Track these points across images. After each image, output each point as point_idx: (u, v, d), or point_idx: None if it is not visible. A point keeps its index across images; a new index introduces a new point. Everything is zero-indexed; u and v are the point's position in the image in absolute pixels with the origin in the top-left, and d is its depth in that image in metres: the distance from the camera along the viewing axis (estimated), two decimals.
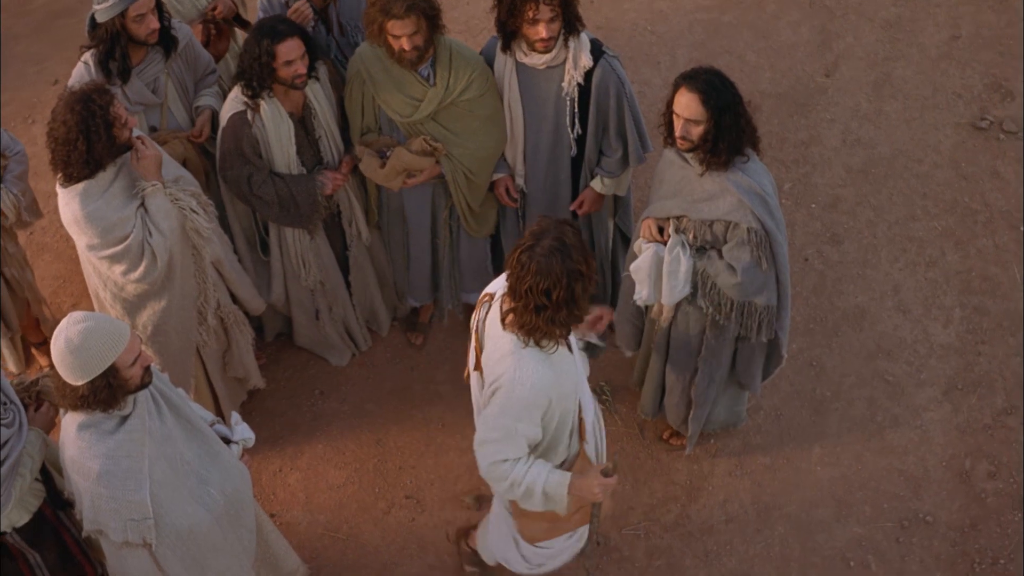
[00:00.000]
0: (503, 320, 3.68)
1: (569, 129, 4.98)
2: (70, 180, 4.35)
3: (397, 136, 5.05)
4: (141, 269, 4.52)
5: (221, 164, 4.97)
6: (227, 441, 4.16)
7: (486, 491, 5.42)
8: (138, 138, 4.42)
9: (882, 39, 7.33)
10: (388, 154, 5.00)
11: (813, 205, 6.48)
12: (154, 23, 4.84)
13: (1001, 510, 5.30)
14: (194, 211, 4.57)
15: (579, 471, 3.95)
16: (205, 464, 3.91)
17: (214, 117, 5.18)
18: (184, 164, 4.96)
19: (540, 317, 3.54)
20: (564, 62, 4.81)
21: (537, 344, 3.63)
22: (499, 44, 4.86)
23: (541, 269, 3.48)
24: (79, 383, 3.54)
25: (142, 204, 4.48)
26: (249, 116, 4.85)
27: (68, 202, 4.39)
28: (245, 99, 4.84)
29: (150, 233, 4.48)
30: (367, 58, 4.90)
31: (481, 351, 3.88)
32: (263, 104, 4.84)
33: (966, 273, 6.16)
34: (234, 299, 5.11)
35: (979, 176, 6.59)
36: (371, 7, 4.66)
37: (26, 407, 4.03)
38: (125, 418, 3.68)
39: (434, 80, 4.88)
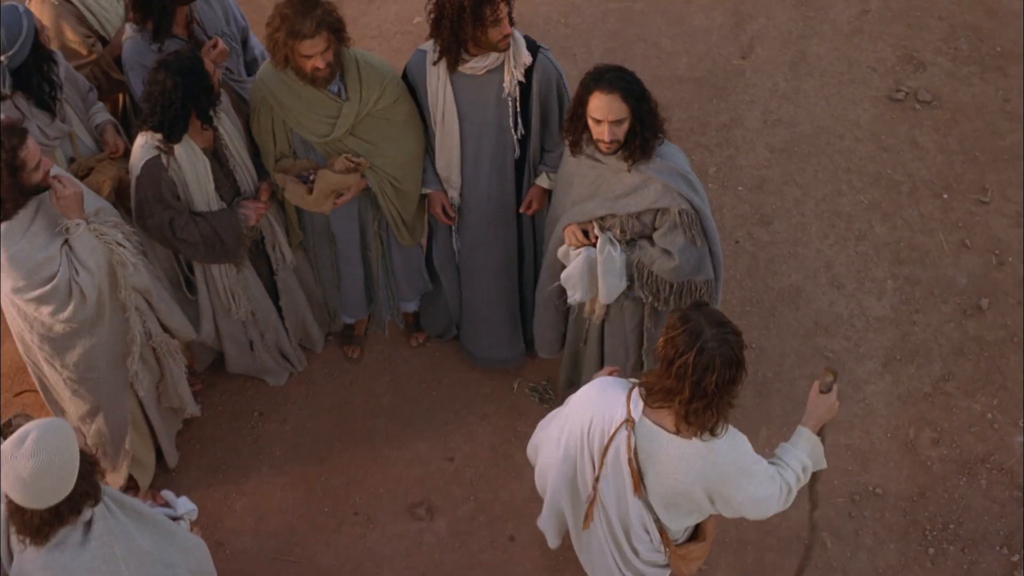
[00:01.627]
0: (679, 433, 3.68)
1: (513, 130, 4.91)
2: None
3: (314, 157, 4.95)
4: (70, 309, 4.39)
5: (139, 213, 4.79)
6: (172, 519, 4.04)
7: (436, 501, 5.36)
8: (55, 178, 4.26)
9: (794, 18, 7.38)
10: (311, 177, 4.89)
11: (740, 187, 6.51)
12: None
13: (947, 476, 5.37)
14: (120, 244, 4.44)
15: None
16: (164, 548, 3.75)
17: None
18: (119, 184, 4.84)
19: (721, 404, 3.62)
20: (502, 64, 4.75)
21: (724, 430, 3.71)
22: (434, 57, 4.74)
23: (727, 360, 3.50)
24: (68, 492, 3.36)
25: (66, 241, 4.34)
26: (164, 160, 4.70)
27: None
28: (157, 143, 4.69)
29: (77, 271, 4.35)
30: (271, 83, 4.78)
31: (641, 478, 3.82)
32: (176, 146, 4.70)
33: (895, 244, 6.22)
34: (164, 328, 4.97)
35: (899, 147, 6.67)
36: (275, 32, 4.53)
37: None
38: (88, 524, 3.51)
39: (346, 95, 4.80)
